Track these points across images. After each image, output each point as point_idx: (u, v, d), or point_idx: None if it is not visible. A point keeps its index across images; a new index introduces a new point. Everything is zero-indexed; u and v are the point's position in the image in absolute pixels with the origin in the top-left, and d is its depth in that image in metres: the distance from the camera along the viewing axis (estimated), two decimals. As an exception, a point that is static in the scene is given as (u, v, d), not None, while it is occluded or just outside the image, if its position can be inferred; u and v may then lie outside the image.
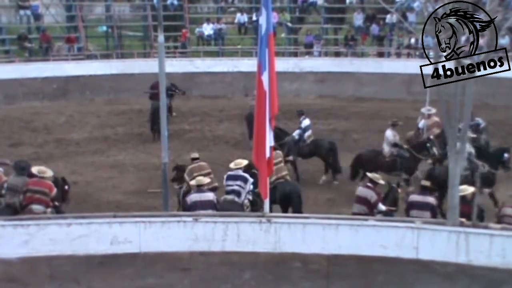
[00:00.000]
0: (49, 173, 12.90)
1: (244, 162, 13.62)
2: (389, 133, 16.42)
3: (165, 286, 11.73)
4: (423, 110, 17.92)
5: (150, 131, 21.09)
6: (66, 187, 13.65)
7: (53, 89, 25.89)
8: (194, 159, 14.33)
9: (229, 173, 13.32)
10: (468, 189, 11.94)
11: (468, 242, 11.18)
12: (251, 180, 13.10)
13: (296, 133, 17.67)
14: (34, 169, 12.85)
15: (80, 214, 12.45)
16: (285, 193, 13.76)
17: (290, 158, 16.83)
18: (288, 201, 13.77)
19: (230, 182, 13.11)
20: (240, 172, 13.20)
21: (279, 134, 16.98)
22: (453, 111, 11.08)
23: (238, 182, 13.05)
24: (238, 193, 13.00)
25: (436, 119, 17.38)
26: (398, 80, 25.79)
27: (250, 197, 13.18)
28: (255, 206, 13.15)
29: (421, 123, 17.80)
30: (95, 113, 24.23)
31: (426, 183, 12.95)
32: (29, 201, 12.35)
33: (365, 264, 11.53)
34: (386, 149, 16.32)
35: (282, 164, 14.36)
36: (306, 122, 17.78)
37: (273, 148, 14.38)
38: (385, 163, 16.10)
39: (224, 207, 12.62)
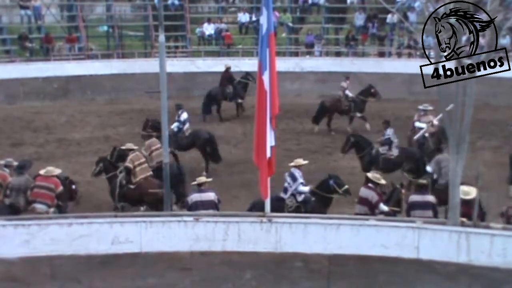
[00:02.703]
0: (56, 171, 13.14)
1: (304, 162, 13.92)
2: None
3: (166, 286, 11.74)
4: (421, 107, 18.10)
5: (202, 113, 22.74)
6: (74, 186, 13.77)
7: (54, 89, 25.88)
8: (130, 149, 14.85)
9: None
10: (472, 192, 11.85)
11: (469, 242, 11.18)
12: (300, 180, 13.38)
13: (174, 126, 18.14)
14: (42, 171, 13.07)
15: (81, 214, 12.47)
16: (175, 172, 14.58)
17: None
18: (177, 179, 14.66)
19: (286, 179, 13.55)
20: (292, 170, 13.49)
21: (158, 127, 17.37)
22: (454, 111, 11.08)
23: (288, 180, 13.43)
24: (285, 190, 13.44)
25: (430, 117, 17.51)
26: (399, 80, 25.76)
27: (300, 198, 13.32)
28: (306, 206, 13.30)
29: (417, 123, 17.89)
30: (96, 113, 24.22)
31: (423, 181, 12.92)
32: (35, 197, 12.53)
33: (366, 264, 11.54)
34: None
35: (146, 165, 14.90)
36: (184, 115, 18.37)
37: (153, 137, 15.47)
38: None
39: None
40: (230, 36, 29.59)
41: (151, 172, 14.70)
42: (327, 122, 21.70)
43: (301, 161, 13.89)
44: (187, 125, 18.25)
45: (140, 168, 14.52)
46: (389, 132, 16.52)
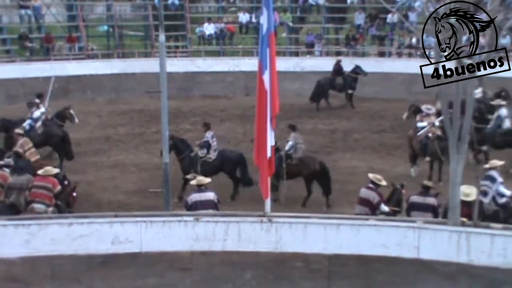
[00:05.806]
0: (54, 171, 13.16)
1: (500, 162, 13.37)
2: None
3: (166, 286, 11.74)
4: (423, 107, 18.10)
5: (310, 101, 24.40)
6: (75, 194, 13.74)
7: (54, 88, 25.83)
8: (20, 134, 16.01)
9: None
10: (472, 194, 11.74)
11: (469, 242, 11.17)
12: (499, 179, 12.76)
13: (26, 123, 18.34)
14: (40, 171, 13.11)
15: (81, 214, 12.47)
16: None
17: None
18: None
19: (481, 182, 12.70)
20: (491, 172, 12.91)
21: (8, 126, 18.25)
22: (455, 111, 11.08)
23: (487, 182, 12.73)
24: (484, 193, 12.61)
25: (432, 118, 17.51)
26: (399, 80, 25.76)
27: (501, 200, 12.69)
28: (505, 211, 12.62)
29: (419, 123, 17.88)
30: (96, 113, 24.21)
31: (428, 183, 12.87)
32: (34, 197, 12.53)
33: (366, 264, 11.54)
34: None
35: (34, 149, 15.88)
36: (37, 113, 18.62)
37: (20, 135, 15.92)
38: None
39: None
40: (232, 28, 29.68)
41: (38, 156, 15.59)
42: None
43: (496, 162, 13.28)
44: (39, 123, 18.43)
45: (30, 152, 15.34)
46: (208, 135, 16.43)
